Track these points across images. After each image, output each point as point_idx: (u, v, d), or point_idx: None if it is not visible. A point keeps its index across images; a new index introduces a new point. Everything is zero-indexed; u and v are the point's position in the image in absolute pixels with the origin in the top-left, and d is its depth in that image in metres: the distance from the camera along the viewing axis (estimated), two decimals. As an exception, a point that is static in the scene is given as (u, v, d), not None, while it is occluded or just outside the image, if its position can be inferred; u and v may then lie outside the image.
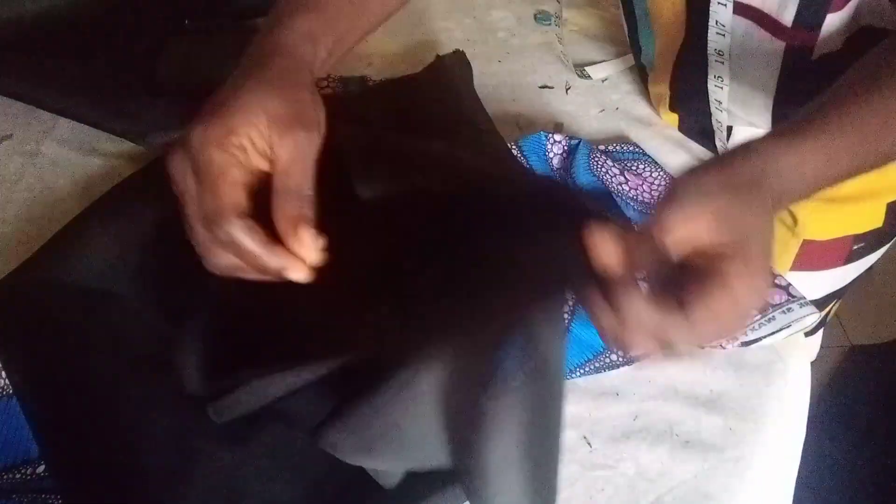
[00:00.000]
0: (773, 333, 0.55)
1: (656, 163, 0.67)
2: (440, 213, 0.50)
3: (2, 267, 0.55)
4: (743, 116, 0.66)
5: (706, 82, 0.63)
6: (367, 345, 0.45)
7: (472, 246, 0.47)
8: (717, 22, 0.58)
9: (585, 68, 0.76)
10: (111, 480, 0.46)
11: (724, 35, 0.58)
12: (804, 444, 0.56)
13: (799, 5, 0.54)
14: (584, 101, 0.74)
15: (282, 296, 0.44)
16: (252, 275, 0.42)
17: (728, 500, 0.50)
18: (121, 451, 0.47)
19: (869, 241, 0.73)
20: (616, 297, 0.38)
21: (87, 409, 0.48)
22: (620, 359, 0.54)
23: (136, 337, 0.51)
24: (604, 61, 0.78)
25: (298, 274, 0.42)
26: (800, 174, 0.42)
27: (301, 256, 0.41)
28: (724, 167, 0.40)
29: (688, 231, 0.38)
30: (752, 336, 0.55)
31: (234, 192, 0.41)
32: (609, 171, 0.64)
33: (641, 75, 0.75)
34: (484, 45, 0.79)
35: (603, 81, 0.76)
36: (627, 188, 0.63)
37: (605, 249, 0.38)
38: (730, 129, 0.68)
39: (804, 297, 0.57)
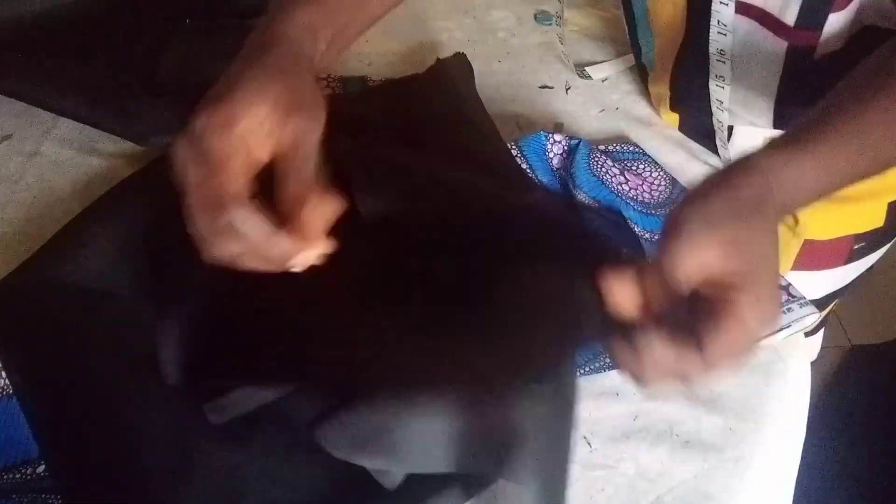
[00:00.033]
0: (772, 333, 0.55)
1: (656, 163, 0.67)
2: (442, 236, 0.49)
3: (2, 267, 0.55)
4: (744, 116, 0.66)
5: (707, 82, 0.63)
6: (367, 345, 0.45)
7: (477, 271, 0.46)
8: (718, 21, 0.58)
9: (586, 68, 0.76)
10: (111, 480, 0.46)
11: (725, 34, 0.58)
12: (804, 444, 0.56)
13: (802, 5, 0.54)
14: (584, 101, 0.74)
15: (280, 293, 0.44)
16: (253, 264, 0.42)
17: (728, 500, 0.50)
18: (121, 451, 0.47)
19: (870, 241, 0.73)
20: (633, 338, 0.38)
21: (87, 409, 0.48)
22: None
23: (136, 337, 0.51)
24: (604, 61, 0.78)
25: (302, 260, 0.41)
26: (801, 186, 0.42)
27: (304, 241, 0.41)
28: (727, 190, 0.40)
29: (698, 263, 0.38)
30: (752, 336, 0.55)
31: (237, 179, 0.41)
32: (609, 171, 0.64)
33: (642, 75, 0.75)
34: (484, 45, 0.79)
35: (603, 81, 0.76)
36: (627, 188, 0.63)
37: (621, 294, 0.38)
38: (731, 128, 0.68)
39: (804, 297, 0.57)
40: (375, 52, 0.76)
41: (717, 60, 0.60)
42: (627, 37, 0.74)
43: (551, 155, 0.65)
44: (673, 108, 0.71)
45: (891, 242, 0.77)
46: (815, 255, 0.74)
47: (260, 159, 0.42)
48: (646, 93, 0.75)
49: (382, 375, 0.44)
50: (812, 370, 0.59)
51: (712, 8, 0.57)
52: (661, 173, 0.66)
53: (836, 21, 0.55)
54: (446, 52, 0.72)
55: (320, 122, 0.43)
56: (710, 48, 0.60)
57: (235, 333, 0.48)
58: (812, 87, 0.58)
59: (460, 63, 0.71)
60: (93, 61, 0.66)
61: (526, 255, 0.45)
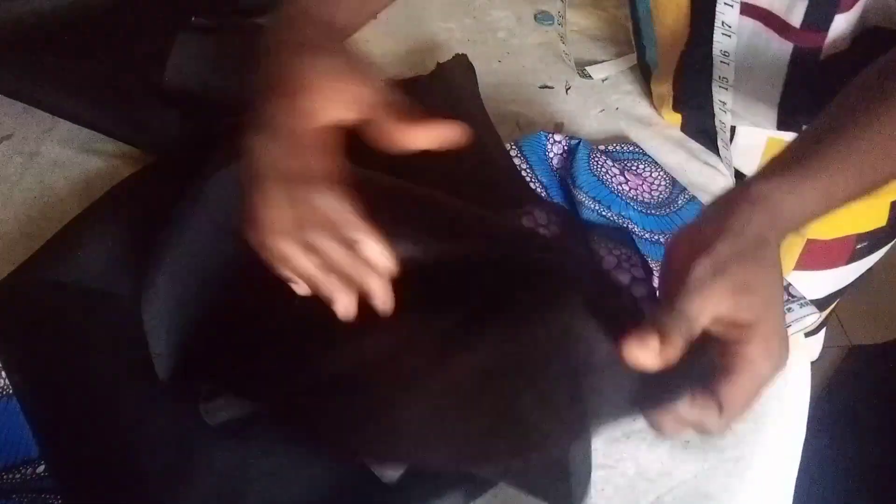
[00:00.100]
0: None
1: (656, 163, 0.67)
2: (460, 277, 0.49)
3: (2, 267, 0.55)
4: (747, 117, 0.66)
5: (710, 83, 0.63)
6: (372, 348, 0.45)
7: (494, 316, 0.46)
8: (723, 23, 0.58)
9: (586, 68, 0.76)
10: (111, 480, 0.46)
11: (729, 36, 0.58)
12: (804, 444, 0.56)
13: (808, 6, 0.54)
14: (584, 101, 0.74)
15: (287, 299, 0.44)
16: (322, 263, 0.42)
17: (728, 500, 0.50)
18: (121, 451, 0.47)
19: (872, 240, 0.73)
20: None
21: (87, 409, 0.48)
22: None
23: (136, 337, 0.51)
24: (605, 61, 0.78)
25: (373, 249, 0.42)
26: (801, 212, 0.43)
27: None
28: (732, 235, 0.40)
29: (709, 314, 0.39)
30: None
31: (330, 163, 0.42)
32: (609, 171, 0.64)
33: (644, 75, 0.75)
34: (484, 45, 0.79)
35: (603, 81, 0.76)
36: (627, 188, 0.63)
37: (645, 359, 0.38)
38: (733, 128, 0.68)
39: (804, 297, 0.57)
40: (375, 52, 0.76)
41: (721, 62, 0.60)
42: (631, 36, 0.74)
43: (551, 155, 0.65)
44: (675, 108, 0.71)
45: (893, 242, 0.77)
46: (818, 255, 0.74)
47: (341, 142, 0.43)
48: (646, 93, 0.75)
49: (385, 377, 0.44)
50: (812, 370, 0.59)
51: (716, 9, 0.57)
52: (661, 173, 0.66)
53: (841, 22, 0.55)
54: (446, 52, 0.72)
55: (376, 78, 0.44)
56: (714, 49, 0.60)
57: (235, 333, 0.48)
58: (816, 89, 0.58)
59: (462, 65, 0.71)
60: (96, 62, 0.66)
61: (537, 303, 0.45)
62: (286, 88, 0.43)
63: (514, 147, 0.64)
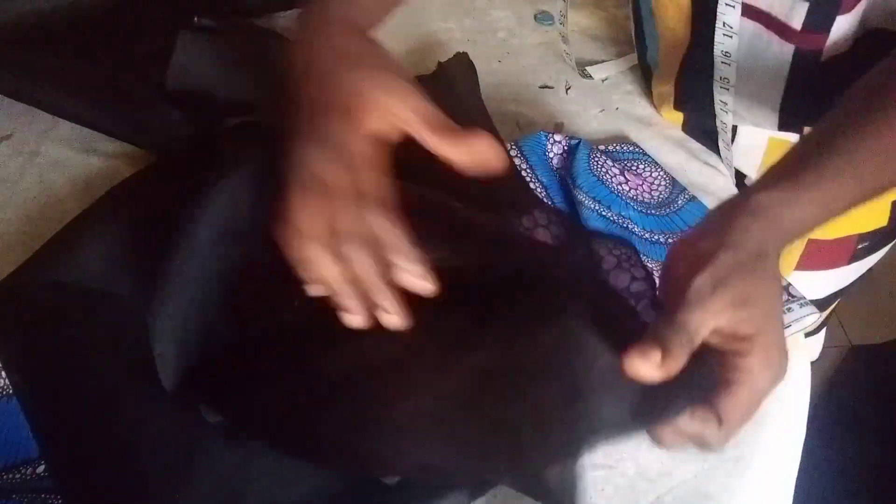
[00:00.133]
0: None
1: (656, 163, 0.67)
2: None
3: (2, 267, 0.55)
4: (748, 118, 0.66)
5: (711, 83, 0.63)
6: (380, 361, 0.45)
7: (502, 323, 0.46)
8: (724, 23, 0.58)
9: (587, 68, 0.76)
10: (111, 480, 0.46)
11: (731, 37, 0.58)
12: (804, 444, 0.56)
13: (809, 8, 0.54)
14: (584, 101, 0.74)
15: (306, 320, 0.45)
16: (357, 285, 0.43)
17: (728, 500, 0.50)
18: (121, 451, 0.46)
19: (873, 240, 0.73)
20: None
21: (87, 408, 0.48)
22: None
23: (136, 337, 0.51)
24: (605, 61, 0.78)
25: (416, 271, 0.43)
26: (800, 223, 0.43)
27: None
28: (732, 249, 0.40)
29: (710, 326, 0.39)
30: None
31: (381, 181, 0.44)
32: (609, 171, 0.64)
33: (644, 74, 0.75)
34: (484, 45, 0.79)
35: (603, 81, 0.76)
36: (627, 188, 0.63)
37: (646, 372, 0.39)
38: (734, 128, 0.68)
39: (804, 297, 0.57)
40: (375, 52, 0.76)
41: (723, 62, 0.60)
42: (633, 36, 0.74)
43: (551, 155, 0.65)
44: (676, 108, 0.71)
45: (893, 242, 0.77)
46: (819, 255, 0.75)
47: (389, 158, 0.45)
48: (646, 93, 0.75)
49: (384, 382, 0.44)
50: (812, 370, 0.59)
51: (718, 10, 0.57)
52: (661, 173, 0.66)
53: (843, 24, 0.55)
54: (446, 52, 0.72)
55: (418, 90, 0.46)
56: (716, 50, 0.60)
57: (239, 341, 0.48)
58: (818, 91, 0.58)
59: (463, 64, 0.70)
60: (96, 62, 0.65)
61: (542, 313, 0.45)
62: (336, 101, 0.44)
63: (514, 147, 0.64)
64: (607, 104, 0.74)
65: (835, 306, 0.88)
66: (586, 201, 0.60)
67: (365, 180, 0.43)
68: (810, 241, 0.72)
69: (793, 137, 0.67)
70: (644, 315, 0.48)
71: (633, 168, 0.66)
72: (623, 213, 0.61)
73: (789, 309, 0.56)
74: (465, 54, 0.71)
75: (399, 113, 0.44)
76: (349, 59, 0.46)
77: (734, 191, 0.69)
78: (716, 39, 0.59)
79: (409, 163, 0.46)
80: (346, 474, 0.46)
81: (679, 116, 0.72)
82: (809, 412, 0.57)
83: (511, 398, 0.42)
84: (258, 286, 0.49)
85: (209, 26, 0.64)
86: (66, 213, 0.59)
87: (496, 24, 0.82)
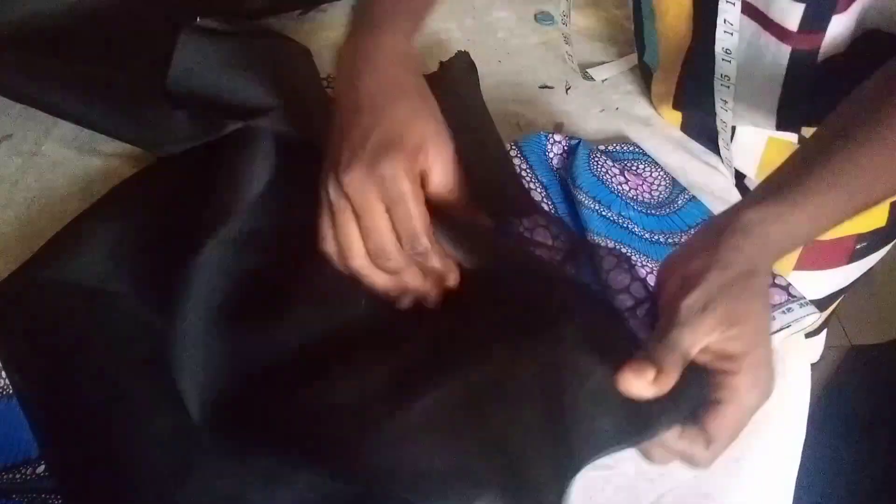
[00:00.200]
0: (772, 334, 0.55)
1: (656, 163, 0.67)
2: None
3: (2, 267, 0.55)
4: (747, 117, 0.66)
5: (712, 81, 0.63)
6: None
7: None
8: (725, 20, 0.58)
9: (588, 70, 0.76)
10: (111, 480, 0.46)
11: (731, 34, 0.58)
12: (804, 444, 0.56)
13: (805, 9, 0.54)
14: (584, 101, 0.74)
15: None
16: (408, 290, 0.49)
17: (728, 501, 0.50)
18: (121, 451, 0.47)
19: (872, 240, 0.73)
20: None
21: (88, 409, 0.48)
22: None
23: (136, 337, 0.51)
24: (605, 62, 0.78)
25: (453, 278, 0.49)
26: (789, 239, 0.44)
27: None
28: (721, 269, 0.41)
29: (700, 345, 0.40)
30: (752, 336, 0.55)
31: (425, 213, 0.47)
32: (609, 171, 0.64)
33: (643, 74, 0.75)
34: (484, 45, 0.79)
35: (603, 82, 0.76)
36: (627, 188, 0.63)
37: (639, 389, 0.39)
38: (733, 129, 0.68)
39: (804, 297, 0.57)
40: (375, 52, 0.75)
41: (723, 60, 0.60)
42: (633, 35, 0.74)
43: (551, 155, 0.65)
44: (676, 107, 0.71)
45: (893, 242, 0.77)
46: (818, 255, 0.75)
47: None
48: (646, 93, 0.75)
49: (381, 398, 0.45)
50: (812, 370, 0.59)
51: (719, 7, 0.57)
52: (661, 173, 0.66)
53: (838, 24, 0.55)
54: (446, 53, 0.72)
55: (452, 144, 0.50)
56: (717, 47, 0.60)
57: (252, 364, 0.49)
58: (815, 91, 0.58)
59: (463, 64, 0.70)
60: (98, 63, 0.65)
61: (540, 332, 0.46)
62: (393, 137, 0.46)
63: (514, 147, 0.64)
64: (607, 104, 0.74)
65: (835, 306, 0.88)
66: (586, 201, 0.60)
67: (409, 217, 0.46)
68: (809, 241, 0.72)
69: (791, 137, 0.67)
70: (645, 319, 0.48)
71: (633, 168, 0.66)
72: (623, 213, 0.61)
73: (789, 309, 0.56)
74: (465, 53, 0.71)
75: (433, 170, 0.47)
76: (399, 91, 0.49)
77: (734, 191, 0.69)
78: (717, 36, 0.59)
79: None
80: (343, 481, 0.46)
81: (677, 116, 0.72)
82: (809, 412, 0.57)
83: (503, 414, 0.43)
84: (277, 297, 0.51)
85: (211, 27, 0.64)
86: (66, 213, 0.59)
87: (496, 24, 0.82)
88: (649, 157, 0.67)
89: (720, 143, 0.68)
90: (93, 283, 0.53)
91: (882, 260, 0.78)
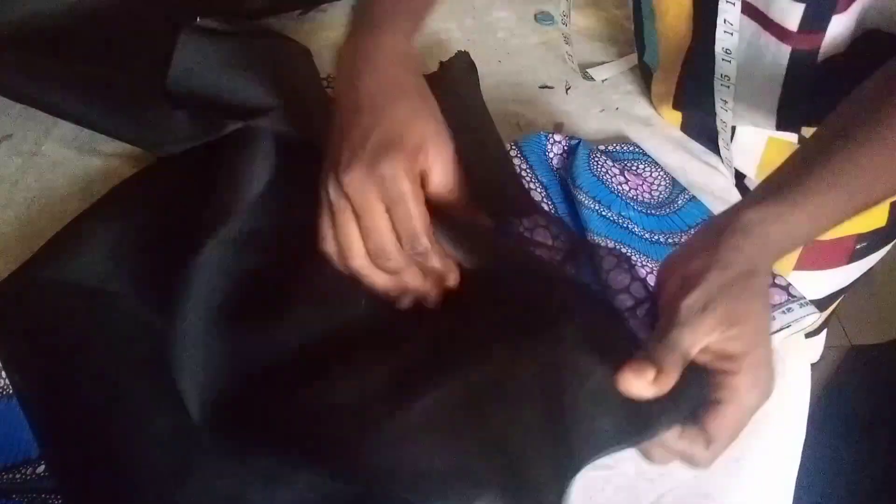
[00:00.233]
0: (772, 334, 0.55)
1: (656, 163, 0.67)
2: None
3: (2, 267, 0.55)
4: (747, 117, 0.66)
5: (712, 81, 0.63)
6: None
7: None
8: (725, 20, 0.58)
9: (588, 70, 0.76)
10: (111, 480, 0.46)
11: (731, 34, 0.58)
12: (804, 444, 0.56)
13: (805, 9, 0.54)
14: (584, 101, 0.74)
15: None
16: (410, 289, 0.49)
17: (728, 501, 0.50)
18: (121, 451, 0.47)
19: (872, 240, 0.73)
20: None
21: (88, 409, 0.48)
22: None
23: (136, 337, 0.51)
24: (605, 62, 0.78)
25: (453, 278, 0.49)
26: (789, 240, 0.44)
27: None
28: (721, 270, 0.41)
29: (701, 346, 0.40)
30: (752, 336, 0.55)
31: (425, 212, 0.47)
32: (609, 171, 0.64)
33: (643, 74, 0.75)
34: (484, 45, 0.79)
35: (603, 82, 0.76)
36: (627, 188, 0.63)
37: (640, 389, 0.40)
38: (733, 129, 0.68)
39: (804, 297, 0.57)
40: (375, 52, 0.75)
41: (723, 59, 0.60)
42: (633, 35, 0.74)
43: (551, 155, 0.65)
44: (676, 107, 0.71)
45: (893, 242, 0.77)
46: (818, 255, 0.75)
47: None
48: (646, 93, 0.75)
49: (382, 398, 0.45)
50: (812, 370, 0.59)
51: (719, 6, 0.57)
52: (661, 173, 0.66)
53: (838, 24, 0.55)
54: (446, 53, 0.72)
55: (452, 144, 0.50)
56: (717, 47, 0.60)
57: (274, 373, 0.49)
58: (815, 91, 0.58)
59: (463, 64, 0.70)
60: (98, 63, 0.65)
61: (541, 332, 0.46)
62: (386, 131, 0.47)
63: (514, 147, 0.64)
64: (607, 104, 0.74)
65: (835, 306, 0.88)
66: (586, 201, 0.60)
67: (409, 217, 0.46)
68: (809, 241, 0.72)
69: (791, 137, 0.67)
70: (646, 319, 0.49)
71: (633, 168, 0.66)
72: (623, 213, 0.61)
73: (789, 309, 0.56)
74: (465, 53, 0.71)
75: (433, 170, 0.47)
76: (399, 91, 0.49)
77: (734, 191, 0.69)
78: (717, 36, 0.59)
79: None
80: (343, 481, 0.46)
81: (677, 116, 0.72)
82: (809, 412, 0.57)
83: (502, 414, 0.43)
84: (277, 295, 0.51)
85: (211, 27, 0.64)
86: (66, 213, 0.59)
87: (496, 24, 0.82)
88: (649, 157, 0.67)
89: (720, 143, 0.68)
90: (93, 283, 0.53)
91: (882, 260, 0.78)
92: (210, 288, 0.50)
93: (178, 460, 0.46)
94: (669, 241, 0.61)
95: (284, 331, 0.50)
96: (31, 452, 0.47)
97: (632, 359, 0.40)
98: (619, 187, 0.63)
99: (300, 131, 0.58)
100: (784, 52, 0.58)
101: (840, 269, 0.77)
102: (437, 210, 0.48)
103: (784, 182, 0.44)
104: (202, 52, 0.62)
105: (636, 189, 0.64)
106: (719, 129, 0.67)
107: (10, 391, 0.49)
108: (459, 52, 0.71)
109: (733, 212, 0.44)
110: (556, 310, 0.46)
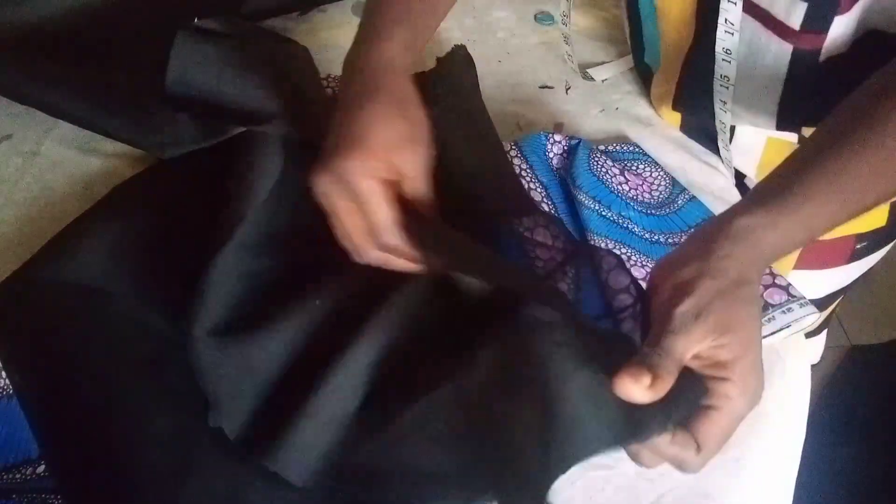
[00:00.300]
0: (772, 333, 0.55)
1: (656, 163, 0.67)
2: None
3: (2, 267, 0.55)
4: (747, 117, 0.66)
5: (712, 81, 0.63)
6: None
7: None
8: (726, 20, 0.58)
9: (588, 70, 0.76)
10: (111, 480, 0.46)
11: (732, 34, 0.58)
12: (804, 444, 0.56)
13: (808, 8, 0.54)
14: (584, 101, 0.74)
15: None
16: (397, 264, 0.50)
17: (728, 500, 0.50)
18: (121, 451, 0.47)
19: (872, 240, 0.73)
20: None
21: (88, 409, 0.48)
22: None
23: (136, 337, 0.51)
24: (605, 62, 0.78)
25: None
26: (781, 246, 0.44)
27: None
28: (712, 278, 0.41)
29: (693, 353, 0.41)
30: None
31: (388, 209, 0.47)
32: (609, 171, 0.64)
33: (642, 76, 0.75)
34: (484, 45, 0.79)
35: (603, 82, 0.76)
36: (627, 188, 0.63)
37: (635, 394, 0.40)
38: (733, 129, 0.68)
39: (804, 297, 0.57)
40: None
41: (723, 60, 0.60)
42: (628, 37, 0.74)
43: (551, 155, 0.65)
44: (675, 107, 0.71)
45: (893, 242, 0.77)
46: (818, 255, 0.75)
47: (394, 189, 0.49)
48: (646, 93, 0.75)
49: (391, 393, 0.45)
50: (812, 370, 0.59)
51: (720, 6, 0.57)
52: (661, 173, 0.66)
53: (840, 24, 0.55)
54: (446, 54, 0.72)
55: (430, 148, 0.50)
56: (717, 47, 0.60)
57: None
58: (816, 91, 0.58)
59: (461, 58, 0.70)
60: (98, 64, 0.65)
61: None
62: (350, 133, 0.48)
63: (514, 147, 0.64)
64: (607, 104, 0.74)
65: (835, 306, 0.88)
66: (586, 201, 0.60)
67: (372, 212, 0.47)
68: (809, 241, 0.72)
69: (791, 137, 0.67)
70: (638, 318, 0.49)
71: (633, 168, 0.66)
72: (623, 213, 0.61)
73: (789, 309, 0.56)
74: (462, 47, 0.69)
75: (402, 170, 0.48)
76: (374, 94, 0.49)
77: (734, 191, 0.69)
78: (717, 36, 0.59)
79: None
80: (343, 481, 0.46)
81: (677, 117, 0.72)
82: (809, 412, 0.57)
83: (501, 414, 0.43)
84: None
85: (210, 28, 0.64)
86: (66, 213, 0.59)
87: (496, 24, 0.82)
88: (649, 157, 0.67)
89: (720, 143, 0.68)
90: (93, 283, 0.53)
91: (882, 260, 0.78)
92: (226, 291, 0.50)
93: (178, 460, 0.46)
94: (669, 241, 0.61)
95: (299, 333, 0.50)
96: (31, 452, 0.47)
97: (627, 363, 0.40)
98: (619, 187, 0.63)
99: (300, 131, 0.58)
100: (786, 51, 0.58)
101: (840, 268, 0.77)
102: (411, 210, 0.49)
103: (777, 188, 0.44)
104: (202, 53, 0.62)
105: (636, 189, 0.64)
106: (718, 129, 0.67)
107: (11, 391, 0.49)
108: (456, 45, 0.70)
109: (726, 218, 0.44)
110: (548, 314, 0.46)
